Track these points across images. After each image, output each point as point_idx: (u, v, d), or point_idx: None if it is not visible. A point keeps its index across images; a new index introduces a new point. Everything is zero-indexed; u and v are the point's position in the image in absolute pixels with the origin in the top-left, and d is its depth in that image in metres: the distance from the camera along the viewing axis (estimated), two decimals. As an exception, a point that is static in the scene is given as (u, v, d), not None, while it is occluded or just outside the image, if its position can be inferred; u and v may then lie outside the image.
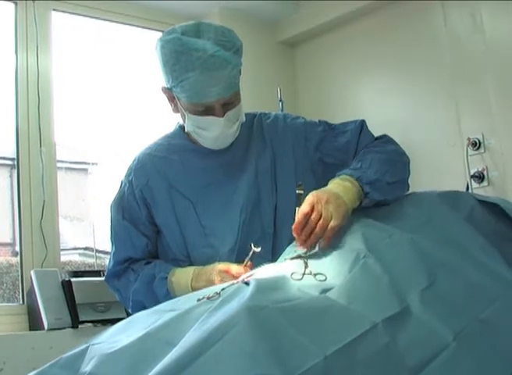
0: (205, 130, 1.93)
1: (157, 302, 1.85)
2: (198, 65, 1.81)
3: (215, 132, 1.92)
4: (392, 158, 1.93)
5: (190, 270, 1.94)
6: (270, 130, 2.07)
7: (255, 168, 2.01)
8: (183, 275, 1.94)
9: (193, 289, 1.85)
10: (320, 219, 1.65)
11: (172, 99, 1.97)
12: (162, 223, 2.02)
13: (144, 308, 1.72)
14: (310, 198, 1.70)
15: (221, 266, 1.85)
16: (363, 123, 2.06)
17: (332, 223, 1.64)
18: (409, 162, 2.00)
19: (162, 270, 1.98)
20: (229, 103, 1.90)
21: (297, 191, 1.71)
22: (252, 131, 2.03)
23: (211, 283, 1.82)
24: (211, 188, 2.00)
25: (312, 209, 1.67)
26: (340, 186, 1.77)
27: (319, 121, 2.10)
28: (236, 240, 1.94)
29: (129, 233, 2.03)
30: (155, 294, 1.95)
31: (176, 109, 1.99)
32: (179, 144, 2.05)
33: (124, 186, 2.07)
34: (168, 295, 1.92)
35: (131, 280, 2.02)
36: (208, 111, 1.89)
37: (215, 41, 1.84)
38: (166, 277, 1.95)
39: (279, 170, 2.03)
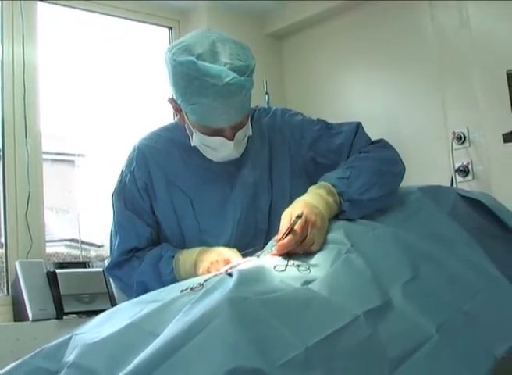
0: (213, 150, 1.92)
1: (161, 282, 1.88)
2: (212, 92, 1.75)
3: (223, 153, 1.91)
4: (383, 169, 1.88)
5: (197, 248, 1.93)
6: (268, 127, 2.06)
7: (253, 166, 2.00)
8: (190, 252, 1.94)
9: (197, 262, 1.87)
10: (304, 240, 1.63)
11: (178, 111, 1.93)
12: (161, 216, 2.03)
13: (148, 290, 1.72)
14: (301, 221, 1.64)
15: (224, 251, 1.83)
16: (359, 125, 2.03)
17: (313, 248, 1.63)
18: (404, 171, 1.95)
19: (170, 250, 1.98)
20: (240, 124, 1.88)
21: (295, 220, 1.64)
22: (252, 128, 1.99)
23: (207, 262, 1.83)
24: (209, 185, 1.99)
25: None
26: (323, 201, 1.75)
27: (317, 119, 2.08)
28: (230, 238, 1.94)
29: (133, 223, 2.03)
30: (160, 273, 1.95)
31: (181, 121, 1.95)
32: (179, 140, 2.02)
33: (125, 176, 2.05)
34: (172, 273, 1.93)
35: (135, 266, 2.01)
36: (217, 132, 1.86)
37: (230, 67, 1.75)
38: (173, 256, 1.95)
39: (275, 168, 2.02)
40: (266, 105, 2.13)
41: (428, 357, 1.30)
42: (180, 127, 2.00)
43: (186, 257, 1.93)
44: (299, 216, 1.64)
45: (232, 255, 1.80)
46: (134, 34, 4.43)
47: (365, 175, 1.83)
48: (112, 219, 2.10)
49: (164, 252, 1.98)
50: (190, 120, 1.89)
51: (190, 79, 1.77)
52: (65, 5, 4.02)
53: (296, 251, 1.62)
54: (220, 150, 1.91)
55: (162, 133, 2.08)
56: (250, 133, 1.96)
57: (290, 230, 1.62)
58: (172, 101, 1.91)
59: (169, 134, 2.07)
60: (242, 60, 1.79)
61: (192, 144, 1.95)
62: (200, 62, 1.76)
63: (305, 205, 1.71)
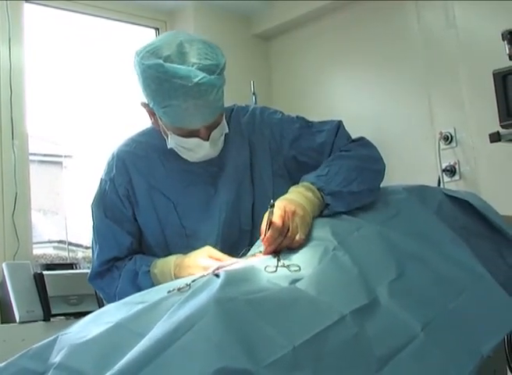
0: (190, 151, 1.90)
1: None
2: (182, 93, 1.73)
3: (200, 153, 1.90)
4: (362, 166, 1.88)
5: (171, 260, 1.91)
6: (248, 126, 2.04)
7: (234, 166, 1.99)
8: (165, 265, 1.91)
9: (177, 278, 1.81)
10: (288, 232, 1.62)
11: (152, 114, 1.91)
12: (144, 223, 2.00)
13: None
14: (279, 212, 1.64)
15: (212, 252, 1.81)
16: (340, 124, 2.02)
17: (297, 238, 1.61)
18: (384, 169, 1.94)
19: (143, 264, 1.96)
20: (214, 123, 1.86)
21: (270, 209, 1.63)
22: (230, 128, 1.98)
23: (196, 267, 1.78)
24: (192, 189, 1.98)
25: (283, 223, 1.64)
26: (303, 196, 1.74)
27: (297, 117, 2.07)
28: (216, 240, 1.93)
29: (113, 232, 2.00)
30: (141, 290, 1.87)
31: (156, 124, 1.93)
32: (157, 144, 2.00)
33: (105, 184, 2.02)
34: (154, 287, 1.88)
35: (115, 277, 1.99)
36: (192, 133, 1.85)
37: (198, 67, 1.74)
38: (149, 271, 1.93)
39: (256, 168, 2.01)
40: (244, 104, 2.11)
41: (415, 355, 1.30)
42: (158, 131, 1.98)
43: (162, 269, 1.91)
44: (271, 206, 1.62)
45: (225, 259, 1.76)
46: (121, 35, 4.42)
47: (344, 172, 1.83)
48: (91, 228, 2.06)
49: (138, 267, 1.96)
50: (163, 123, 1.88)
51: (159, 81, 1.75)
52: (51, 6, 4.01)
53: (284, 245, 1.61)
54: (196, 150, 1.89)
55: (140, 139, 2.06)
56: (227, 131, 1.95)
57: (270, 223, 1.61)
58: (145, 105, 1.90)
59: (148, 139, 2.04)
60: (210, 59, 1.78)
61: (168, 147, 1.93)
62: (167, 64, 1.74)
63: (283, 199, 1.72)
